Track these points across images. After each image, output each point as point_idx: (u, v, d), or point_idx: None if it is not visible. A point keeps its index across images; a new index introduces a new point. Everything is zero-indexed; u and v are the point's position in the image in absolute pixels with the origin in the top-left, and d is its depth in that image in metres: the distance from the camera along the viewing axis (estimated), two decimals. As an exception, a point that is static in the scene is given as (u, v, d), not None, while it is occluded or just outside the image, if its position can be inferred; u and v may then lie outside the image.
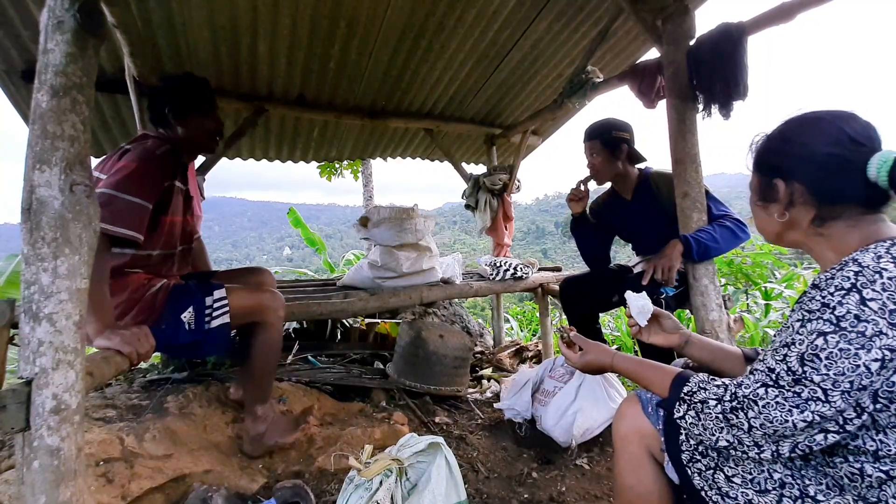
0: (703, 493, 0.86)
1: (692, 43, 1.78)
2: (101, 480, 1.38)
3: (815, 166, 0.79)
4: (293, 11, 2.14)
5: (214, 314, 1.56)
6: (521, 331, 5.89)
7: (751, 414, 0.75)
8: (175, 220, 1.61)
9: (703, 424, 0.82)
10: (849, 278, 0.70)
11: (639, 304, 1.20)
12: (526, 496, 1.63)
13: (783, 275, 4.21)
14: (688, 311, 2.55)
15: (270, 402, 1.76)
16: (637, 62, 2.20)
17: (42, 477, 0.90)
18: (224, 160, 3.45)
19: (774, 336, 0.80)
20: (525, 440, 2.01)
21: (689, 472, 0.89)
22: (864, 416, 0.69)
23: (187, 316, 1.50)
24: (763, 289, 3.86)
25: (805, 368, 0.70)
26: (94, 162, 1.74)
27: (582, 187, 2.19)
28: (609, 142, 2.06)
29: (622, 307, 2.37)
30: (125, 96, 2.42)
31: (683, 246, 1.72)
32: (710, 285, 1.74)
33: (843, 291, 0.69)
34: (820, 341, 0.69)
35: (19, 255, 1.00)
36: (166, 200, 1.53)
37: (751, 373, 0.79)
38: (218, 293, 1.58)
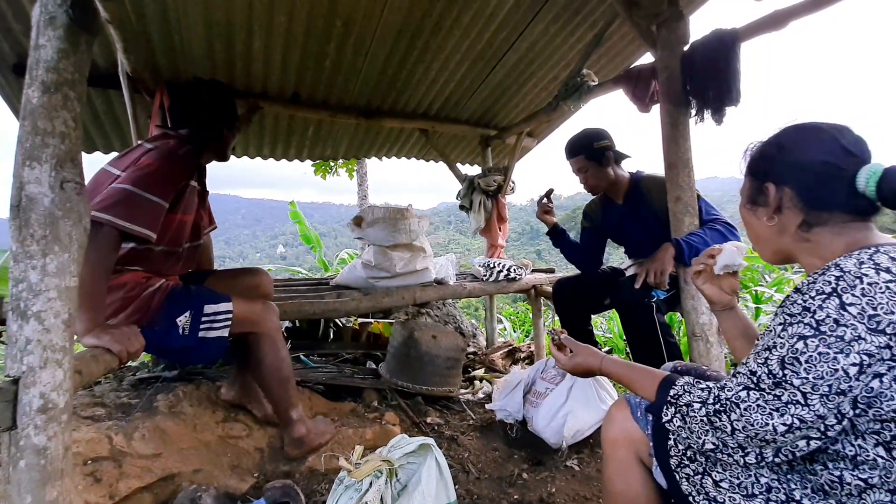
0: (691, 499, 0.87)
1: (686, 48, 1.79)
2: (88, 479, 1.36)
3: (808, 173, 0.81)
4: (289, 9, 2.13)
5: (215, 325, 1.54)
6: (515, 332, 5.91)
7: (733, 416, 0.76)
8: (185, 218, 1.61)
9: (689, 428, 0.83)
10: (829, 283, 0.70)
11: (736, 260, 1.05)
12: (516, 497, 1.63)
13: (773, 278, 4.25)
14: (679, 314, 2.57)
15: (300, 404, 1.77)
16: (632, 66, 2.22)
17: (28, 476, 0.89)
18: (218, 157, 3.43)
19: (758, 339, 0.81)
20: (516, 441, 2.02)
21: (678, 477, 0.90)
22: (845, 422, 0.70)
23: (182, 320, 1.48)
24: (753, 292, 3.89)
25: (785, 372, 0.71)
26: (108, 157, 1.71)
27: (545, 201, 2.25)
28: (594, 154, 2.09)
29: (614, 309, 2.39)
30: (118, 92, 2.39)
31: (675, 249, 1.74)
32: (701, 289, 1.75)
33: (824, 296, 0.70)
34: (800, 345, 0.70)
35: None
36: (178, 199, 1.53)
37: (734, 375, 0.80)
38: (225, 306, 1.57)
